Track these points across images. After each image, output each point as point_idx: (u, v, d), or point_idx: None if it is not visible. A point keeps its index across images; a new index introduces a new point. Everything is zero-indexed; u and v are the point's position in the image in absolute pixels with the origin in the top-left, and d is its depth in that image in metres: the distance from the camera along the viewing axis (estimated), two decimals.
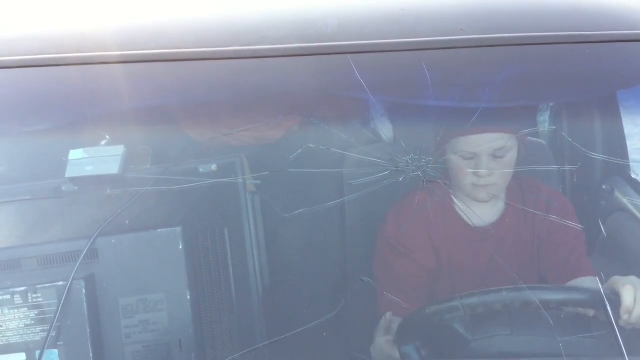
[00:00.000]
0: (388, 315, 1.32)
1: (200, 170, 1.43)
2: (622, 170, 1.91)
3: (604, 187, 1.90)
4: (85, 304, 1.22)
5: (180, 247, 1.27)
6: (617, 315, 1.14)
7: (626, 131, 1.89)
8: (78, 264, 1.23)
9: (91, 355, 1.22)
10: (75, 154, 1.28)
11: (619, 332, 1.08)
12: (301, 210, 1.30)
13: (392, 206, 1.49)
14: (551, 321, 1.10)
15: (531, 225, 1.50)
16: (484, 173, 1.42)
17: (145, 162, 1.29)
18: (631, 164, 1.90)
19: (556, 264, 1.49)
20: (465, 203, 1.46)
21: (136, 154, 1.28)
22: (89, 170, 1.26)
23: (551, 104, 1.68)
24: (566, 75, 1.39)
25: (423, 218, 1.44)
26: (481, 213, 1.48)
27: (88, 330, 1.22)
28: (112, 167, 1.25)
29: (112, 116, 1.33)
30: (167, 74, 1.29)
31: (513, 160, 1.45)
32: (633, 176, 1.88)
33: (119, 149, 1.27)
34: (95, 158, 1.27)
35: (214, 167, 1.44)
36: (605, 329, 1.13)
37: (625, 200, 1.84)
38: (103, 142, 1.31)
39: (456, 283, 1.46)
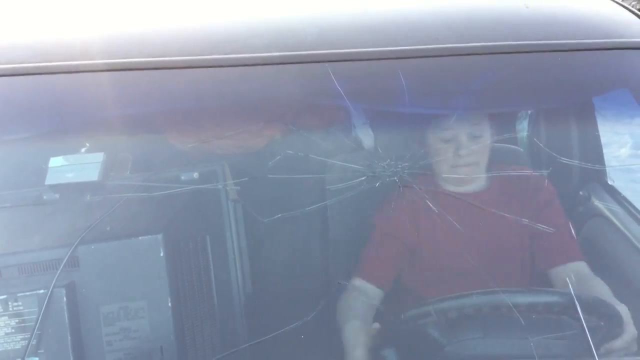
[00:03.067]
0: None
1: (182, 178, 1.43)
2: (599, 176, 1.93)
3: (581, 193, 1.92)
4: (66, 311, 1.21)
5: (162, 255, 1.27)
6: (587, 316, 1.16)
7: (605, 139, 1.92)
8: (59, 271, 1.23)
9: None
10: (55, 162, 1.28)
11: (589, 333, 1.10)
12: (279, 215, 1.30)
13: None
14: (522, 322, 1.12)
15: (517, 207, 1.53)
16: (463, 153, 1.44)
17: (125, 169, 1.29)
18: (607, 170, 1.93)
19: (546, 247, 1.51)
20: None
21: (116, 161, 1.28)
22: (69, 177, 1.26)
23: (528, 111, 1.71)
24: (540, 83, 1.41)
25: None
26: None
27: (69, 338, 1.21)
28: (91, 174, 1.25)
29: (92, 124, 1.33)
30: (149, 82, 1.29)
31: (489, 138, 1.48)
32: (610, 182, 1.91)
33: (99, 156, 1.27)
34: (75, 165, 1.27)
35: (195, 174, 1.44)
36: (576, 330, 1.15)
37: (602, 206, 1.86)
38: (83, 150, 1.31)
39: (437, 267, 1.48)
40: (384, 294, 1.44)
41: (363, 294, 1.39)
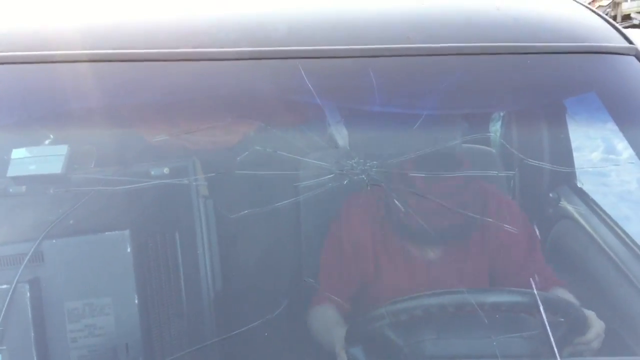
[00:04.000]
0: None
1: (152, 173, 1.41)
2: (569, 179, 1.96)
3: (550, 195, 1.95)
4: (29, 307, 1.20)
5: (128, 250, 1.26)
6: (550, 316, 1.18)
7: (577, 143, 1.95)
8: (22, 266, 1.21)
9: (35, 359, 1.19)
10: (18, 153, 1.26)
11: (551, 332, 1.11)
12: (246, 211, 1.30)
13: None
14: (485, 321, 1.13)
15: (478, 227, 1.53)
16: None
17: (90, 162, 1.27)
18: (577, 173, 1.96)
19: (511, 267, 1.51)
20: None
21: (80, 154, 1.27)
22: (32, 169, 1.24)
23: (500, 113, 1.72)
24: (510, 85, 1.43)
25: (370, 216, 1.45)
26: None
27: (32, 334, 1.20)
28: (55, 167, 1.24)
29: (57, 116, 1.31)
30: (116, 74, 1.28)
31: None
32: (579, 185, 1.94)
33: (63, 149, 1.26)
34: (38, 157, 1.25)
35: (165, 170, 1.42)
36: (537, 329, 1.16)
37: (571, 208, 1.89)
38: (47, 142, 1.29)
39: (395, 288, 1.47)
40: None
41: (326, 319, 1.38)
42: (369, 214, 1.47)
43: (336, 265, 1.46)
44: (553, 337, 1.15)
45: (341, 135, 1.39)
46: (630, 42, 1.40)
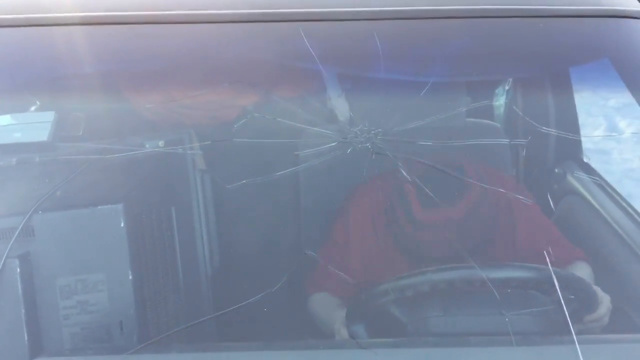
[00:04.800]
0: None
1: (147, 146, 1.38)
2: (575, 154, 1.93)
3: (556, 170, 1.92)
4: (19, 283, 1.17)
5: (122, 225, 1.23)
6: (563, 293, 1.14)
7: (580, 120, 1.91)
8: (12, 241, 1.18)
9: (26, 337, 1.17)
10: (2, 120, 1.22)
11: (565, 308, 1.08)
12: (244, 181, 1.25)
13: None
14: (498, 297, 1.10)
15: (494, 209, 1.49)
16: None
17: (78, 129, 1.23)
18: (583, 148, 1.92)
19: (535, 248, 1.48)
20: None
21: (68, 121, 1.22)
22: (17, 137, 1.20)
23: (506, 81, 1.68)
24: (518, 50, 1.38)
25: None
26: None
27: (23, 311, 1.17)
28: (41, 134, 1.19)
29: (46, 81, 1.26)
30: (107, 37, 1.23)
31: None
32: (585, 160, 1.91)
33: (50, 115, 1.21)
34: (23, 124, 1.20)
35: (161, 143, 1.39)
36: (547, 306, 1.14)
37: (577, 184, 1.86)
38: (33, 108, 1.24)
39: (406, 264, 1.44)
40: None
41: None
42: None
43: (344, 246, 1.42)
44: (553, 313, 1.13)
45: (344, 102, 1.35)
46: None
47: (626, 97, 1.35)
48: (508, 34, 1.33)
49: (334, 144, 1.29)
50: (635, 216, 1.74)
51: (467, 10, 1.26)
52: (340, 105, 1.35)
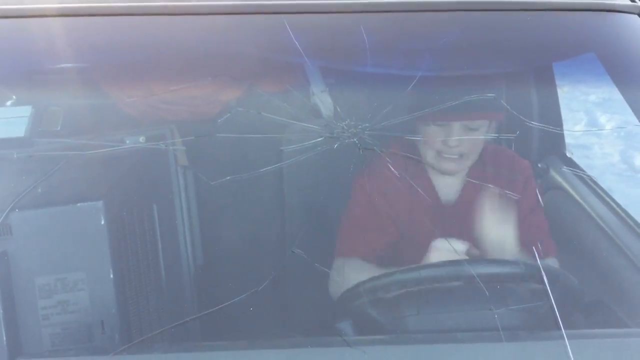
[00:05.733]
0: None
1: (127, 142, 1.36)
2: (558, 149, 1.94)
3: (539, 165, 1.92)
4: None
5: (102, 223, 1.20)
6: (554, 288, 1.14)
7: (573, 106, 1.92)
8: None
9: (4, 338, 1.14)
10: None
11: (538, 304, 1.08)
12: (228, 177, 1.23)
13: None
14: (487, 293, 1.09)
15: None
16: (453, 142, 1.40)
17: (56, 124, 1.19)
18: (566, 143, 1.93)
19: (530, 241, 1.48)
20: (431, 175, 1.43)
21: (46, 115, 1.19)
22: None
23: (492, 74, 1.67)
24: (506, 43, 1.38)
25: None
26: (447, 185, 1.46)
27: (1, 312, 1.14)
28: (18, 129, 1.16)
29: (22, 75, 1.23)
30: (86, 29, 1.20)
31: (484, 134, 1.43)
32: (568, 155, 1.92)
33: (26, 110, 1.18)
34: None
35: (141, 138, 1.37)
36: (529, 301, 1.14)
37: (560, 179, 1.87)
38: (9, 103, 1.21)
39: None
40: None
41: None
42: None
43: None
44: (541, 309, 1.12)
45: (330, 96, 1.33)
46: (633, 0, 1.35)
47: (612, 92, 1.35)
48: (496, 28, 1.33)
49: (320, 139, 1.27)
50: (617, 209, 1.75)
51: (454, 3, 1.25)
52: (326, 99, 1.33)
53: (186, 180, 1.51)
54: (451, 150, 1.42)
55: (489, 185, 1.42)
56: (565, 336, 1.01)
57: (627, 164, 3.70)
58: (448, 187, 1.50)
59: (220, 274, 1.46)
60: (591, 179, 1.90)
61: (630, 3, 1.34)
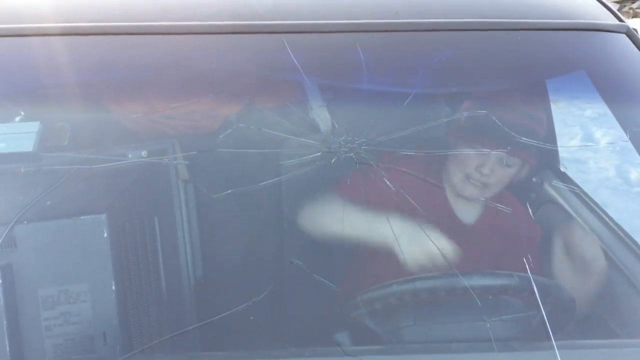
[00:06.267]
0: None
1: (130, 156, 1.38)
2: (552, 163, 1.96)
3: (533, 179, 1.94)
4: (1, 295, 1.15)
5: (105, 235, 1.22)
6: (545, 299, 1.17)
7: (557, 130, 1.94)
8: None
9: (8, 349, 1.15)
10: None
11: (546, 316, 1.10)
12: (229, 191, 1.26)
13: None
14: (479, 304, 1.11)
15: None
16: (486, 170, 1.42)
17: (63, 140, 1.22)
18: (560, 157, 1.95)
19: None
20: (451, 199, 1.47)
21: (53, 131, 1.21)
22: (1, 147, 1.19)
23: (485, 90, 1.70)
24: (498, 62, 1.41)
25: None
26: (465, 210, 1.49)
27: (5, 322, 1.15)
28: (26, 144, 1.18)
29: (30, 92, 1.25)
30: (90, 48, 1.23)
31: (513, 175, 1.47)
32: (562, 169, 1.94)
33: (35, 126, 1.20)
34: (8, 135, 1.19)
35: (144, 153, 1.39)
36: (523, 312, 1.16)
37: (554, 193, 1.89)
38: (17, 119, 1.23)
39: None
40: None
41: None
42: None
43: None
44: (533, 319, 1.14)
45: (328, 112, 1.36)
46: (621, 20, 1.39)
47: (601, 108, 1.38)
48: (488, 47, 1.36)
49: (318, 154, 1.30)
50: (611, 224, 1.77)
51: (447, 23, 1.28)
52: (323, 115, 1.36)
53: (187, 194, 1.53)
54: (481, 178, 1.44)
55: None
56: (555, 347, 1.03)
57: (622, 179, 3.72)
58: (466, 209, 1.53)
59: (220, 285, 1.48)
60: (584, 193, 1.93)
61: (618, 23, 1.38)
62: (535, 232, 1.58)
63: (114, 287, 1.21)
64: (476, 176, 1.45)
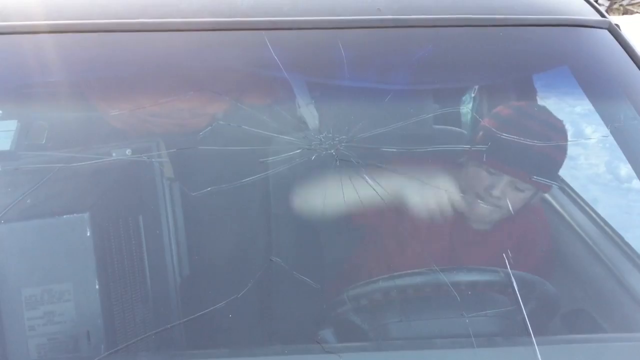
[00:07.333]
0: None
1: (114, 154, 1.37)
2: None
3: None
4: None
5: (88, 234, 1.21)
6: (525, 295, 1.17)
7: None
8: None
9: None
10: None
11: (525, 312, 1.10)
12: (209, 188, 1.25)
13: None
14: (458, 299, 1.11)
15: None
16: (496, 193, 1.40)
17: (41, 138, 1.21)
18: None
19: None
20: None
21: (32, 130, 1.21)
22: None
23: (470, 94, 1.70)
24: (480, 58, 1.41)
25: None
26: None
27: None
28: (4, 143, 1.18)
29: (8, 90, 1.24)
30: (70, 46, 1.22)
31: (524, 201, 1.45)
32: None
33: (12, 124, 1.20)
34: None
35: (128, 151, 1.38)
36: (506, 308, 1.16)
37: (550, 200, 1.89)
38: None
39: None
40: None
41: None
42: None
43: None
44: (514, 315, 1.14)
45: (309, 109, 1.35)
46: (603, 16, 1.39)
47: (584, 104, 1.38)
48: (470, 43, 1.35)
49: (298, 151, 1.29)
50: (599, 221, 1.77)
51: (430, 19, 1.28)
52: (305, 112, 1.35)
53: (172, 192, 1.53)
54: (490, 200, 1.42)
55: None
56: (535, 342, 1.03)
57: (612, 174, 3.73)
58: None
59: (204, 284, 1.47)
60: (575, 192, 1.93)
61: (600, 19, 1.38)
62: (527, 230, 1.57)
63: (97, 286, 1.21)
64: (486, 197, 1.42)
